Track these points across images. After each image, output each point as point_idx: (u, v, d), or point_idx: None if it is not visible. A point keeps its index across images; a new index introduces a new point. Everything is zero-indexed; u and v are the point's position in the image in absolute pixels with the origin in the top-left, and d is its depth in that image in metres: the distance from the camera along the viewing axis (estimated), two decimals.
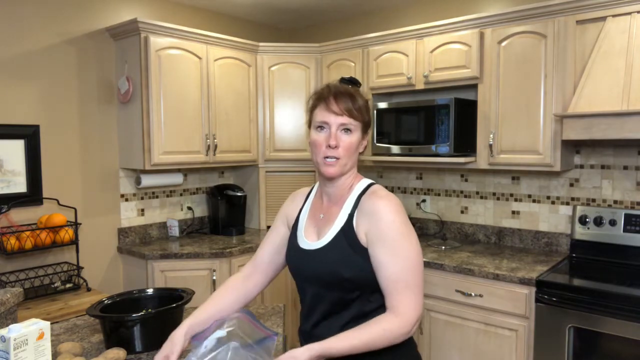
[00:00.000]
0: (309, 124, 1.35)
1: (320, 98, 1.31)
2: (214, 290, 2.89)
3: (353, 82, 1.36)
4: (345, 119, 1.27)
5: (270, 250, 1.47)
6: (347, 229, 1.28)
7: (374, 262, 1.24)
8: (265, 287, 1.50)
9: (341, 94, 1.29)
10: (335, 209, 1.34)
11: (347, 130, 1.28)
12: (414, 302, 1.22)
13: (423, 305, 1.26)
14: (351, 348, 1.16)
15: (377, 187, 1.33)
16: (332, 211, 1.34)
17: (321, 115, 1.29)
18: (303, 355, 1.13)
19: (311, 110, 1.34)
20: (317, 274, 1.31)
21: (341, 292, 1.28)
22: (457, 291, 2.55)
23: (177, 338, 1.27)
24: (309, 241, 1.35)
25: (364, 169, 3.49)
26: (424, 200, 3.41)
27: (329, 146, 1.27)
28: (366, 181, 1.36)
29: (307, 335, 1.38)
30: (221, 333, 1.20)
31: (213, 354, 1.14)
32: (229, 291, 1.43)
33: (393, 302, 1.22)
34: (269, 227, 3.57)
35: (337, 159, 1.28)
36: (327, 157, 1.28)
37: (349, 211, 1.30)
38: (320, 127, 1.29)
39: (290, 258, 1.40)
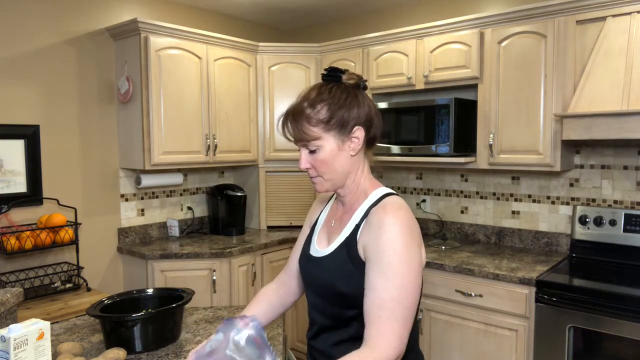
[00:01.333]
0: None
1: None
2: (214, 290, 2.91)
3: (331, 73, 1.23)
4: (302, 144, 1.20)
5: (299, 253, 1.43)
6: (350, 241, 1.20)
7: (365, 281, 1.13)
8: (302, 293, 1.46)
9: (293, 115, 1.19)
10: (347, 216, 1.26)
11: (313, 148, 1.19)
12: (396, 337, 1.07)
13: (406, 342, 1.11)
14: None
15: (391, 200, 1.19)
16: (344, 219, 1.27)
17: None
18: None
19: None
20: (316, 284, 1.27)
21: (338, 307, 1.21)
22: (457, 291, 2.55)
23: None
24: (319, 248, 1.30)
25: None
26: (424, 200, 3.41)
27: (301, 170, 1.24)
28: (382, 190, 1.24)
29: (308, 344, 1.36)
30: (220, 336, 1.18)
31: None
32: (262, 301, 1.41)
33: (372, 332, 1.08)
34: (269, 227, 3.58)
35: (318, 176, 1.22)
36: (311, 176, 1.24)
37: (356, 222, 1.21)
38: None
39: (299, 262, 1.37)
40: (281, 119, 1.23)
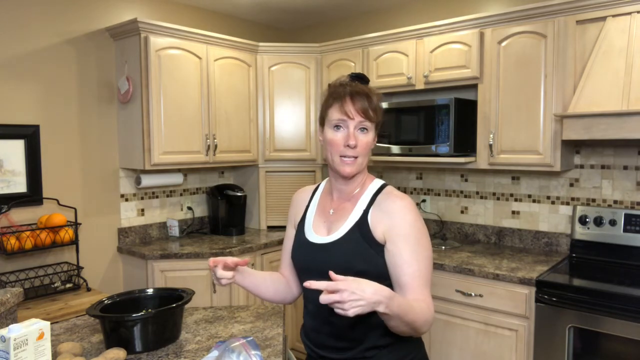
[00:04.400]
0: (322, 120, 1.36)
1: (337, 97, 1.31)
2: (214, 290, 2.91)
3: (362, 78, 1.36)
4: (362, 120, 1.28)
5: (289, 257, 1.50)
6: (362, 224, 1.30)
7: (394, 258, 1.26)
8: (298, 296, 1.54)
9: (357, 94, 1.29)
10: (348, 204, 1.36)
11: (364, 129, 1.30)
12: (431, 297, 1.27)
13: None
14: (407, 307, 1.13)
15: (392, 188, 1.37)
16: (344, 207, 1.36)
17: (338, 114, 1.29)
18: (374, 297, 1.04)
19: (325, 108, 1.34)
20: (329, 268, 1.29)
21: None
22: (457, 291, 2.55)
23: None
24: (319, 236, 1.36)
25: None
26: (424, 200, 3.41)
27: (348, 146, 1.28)
28: (379, 181, 1.39)
29: (315, 332, 1.38)
30: (215, 353, 1.23)
31: None
32: (273, 275, 1.52)
33: (419, 296, 1.24)
34: (269, 227, 3.58)
35: (355, 157, 1.30)
36: (344, 157, 1.30)
37: (364, 207, 1.33)
38: (337, 127, 1.30)
39: (298, 253, 1.41)
40: (347, 89, 1.30)
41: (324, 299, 1.01)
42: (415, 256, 1.25)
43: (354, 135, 1.28)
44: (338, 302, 1.01)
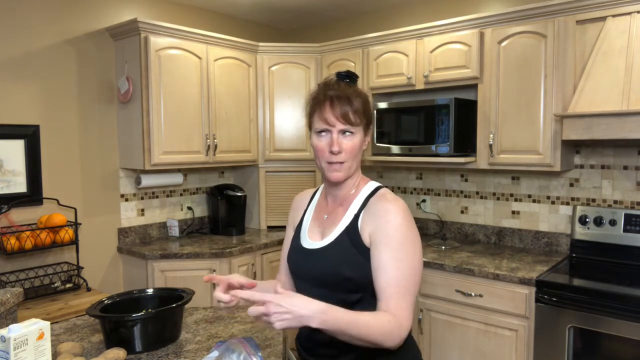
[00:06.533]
0: (309, 126, 1.33)
1: (317, 103, 1.28)
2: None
3: (349, 76, 1.32)
4: (343, 125, 1.25)
5: (286, 261, 1.48)
6: (352, 229, 1.27)
7: (375, 263, 1.22)
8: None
9: (338, 98, 1.25)
10: (341, 209, 1.33)
11: (349, 132, 1.26)
12: (410, 311, 1.19)
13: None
14: (349, 322, 1.08)
15: (386, 191, 1.31)
16: (337, 212, 1.34)
17: (320, 121, 1.26)
18: (301, 311, 1.03)
19: (309, 114, 1.32)
20: (318, 274, 1.30)
21: (342, 293, 1.26)
22: (457, 291, 2.55)
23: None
24: (312, 241, 1.35)
25: (364, 169, 3.49)
26: (424, 200, 3.41)
27: (332, 152, 1.25)
28: (374, 184, 1.35)
29: (307, 339, 1.37)
30: (215, 354, 1.23)
31: None
32: (272, 281, 1.48)
33: (391, 307, 1.17)
34: (269, 227, 3.58)
35: (342, 163, 1.26)
36: (331, 163, 1.26)
37: (355, 212, 1.29)
38: (322, 132, 1.27)
39: (291, 258, 1.40)
40: (327, 95, 1.26)
41: (251, 311, 1.02)
42: (394, 262, 1.19)
43: (338, 141, 1.24)
44: (264, 314, 1.02)
